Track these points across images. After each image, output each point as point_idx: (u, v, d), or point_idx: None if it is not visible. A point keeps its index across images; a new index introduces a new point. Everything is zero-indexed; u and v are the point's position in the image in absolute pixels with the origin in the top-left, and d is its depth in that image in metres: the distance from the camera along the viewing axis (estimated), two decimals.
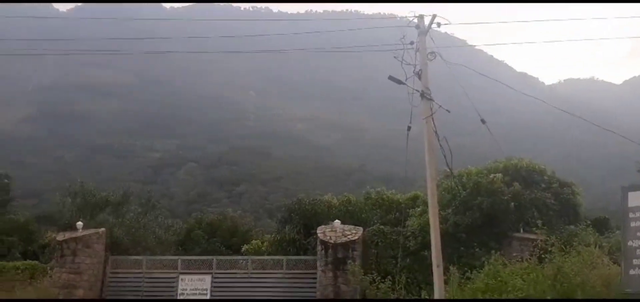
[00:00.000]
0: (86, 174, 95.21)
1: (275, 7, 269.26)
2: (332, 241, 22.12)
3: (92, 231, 23.63)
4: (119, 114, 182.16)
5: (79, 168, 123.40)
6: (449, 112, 14.76)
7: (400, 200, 27.12)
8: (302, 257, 24.25)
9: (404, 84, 14.55)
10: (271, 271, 23.87)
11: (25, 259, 29.35)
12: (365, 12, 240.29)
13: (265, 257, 25.19)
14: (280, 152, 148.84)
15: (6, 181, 43.67)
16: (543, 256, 16.03)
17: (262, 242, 28.10)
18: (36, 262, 27.83)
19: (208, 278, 23.63)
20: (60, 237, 23.57)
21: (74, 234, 23.07)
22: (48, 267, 25.12)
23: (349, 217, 25.72)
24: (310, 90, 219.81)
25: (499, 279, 15.12)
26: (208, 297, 23.31)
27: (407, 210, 24.67)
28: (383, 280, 18.95)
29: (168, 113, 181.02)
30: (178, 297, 23.33)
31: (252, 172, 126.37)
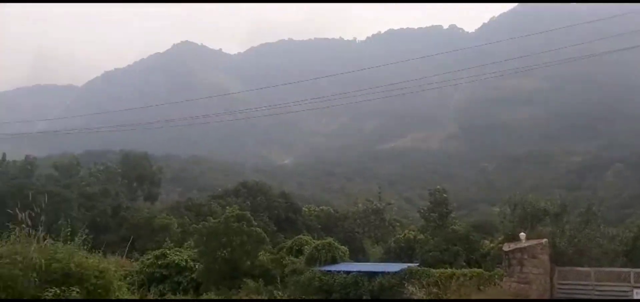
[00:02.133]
0: (509, 184, 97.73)
1: None
2: None
3: (535, 241, 23.60)
4: (534, 121, 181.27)
5: (501, 178, 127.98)
6: None
7: None
8: None
9: None
10: None
11: (469, 267, 31.39)
12: None
13: None
14: None
15: (445, 195, 48.05)
16: None
17: None
18: (480, 270, 29.34)
19: None
20: (505, 247, 24.30)
21: (518, 245, 23.46)
22: (495, 276, 26.14)
23: None
24: None
25: None
26: None
27: None
28: None
29: (587, 113, 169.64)
30: None
31: None
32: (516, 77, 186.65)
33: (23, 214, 13.87)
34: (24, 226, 13.67)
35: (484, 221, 64.44)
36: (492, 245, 36.80)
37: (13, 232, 13.50)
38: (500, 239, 32.80)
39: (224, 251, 30.62)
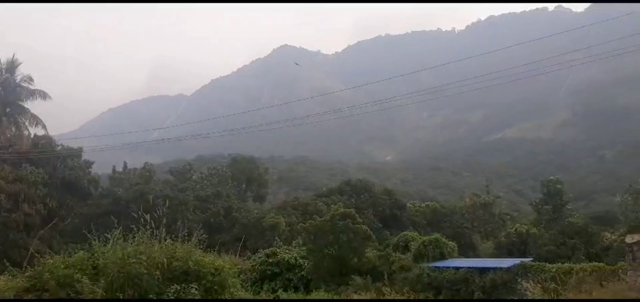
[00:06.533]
0: (631, 172, 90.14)
1: None
2: None
3: None
4: None
5: (622, 166, 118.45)
6: None
7: None
8: None
9: None
10: None
11: (589, 261, 29.47)
12: None
13: None
14: None
15: (559, 186, 45.54)
16: None
17: None
18: (602, 264, 27.49)
19: None
20: (628, 239, 22.44)
21: None
22: (618, 270, 24.42)
23: None
24: None
25: None
26: None
27: None
28: None
29: None
30: None
31: None
32: (637, 55, 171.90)
33: (146, 217, 14.99)
34: (147, 227, 14.77)
35: (605, 212, 60.43)
36: (613, 237, 34.33)
37: (137, 234, 14.61)
38: (622, 230, 30.49)
39: (331, 249, 31.12)
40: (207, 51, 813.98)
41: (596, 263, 27.77)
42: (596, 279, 25.01)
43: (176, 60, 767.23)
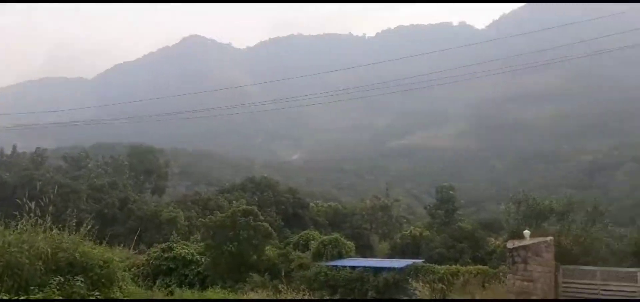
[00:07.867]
0: (518, 182, 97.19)
1: None
2: None
3: (540, 239, 23.48)
4: (545, 119, 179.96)
5: (510, 176, 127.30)
6: None
7: None
8: None
9: None
10: None
11: (475, 264, 31.36)
12: None
13: None
14: None
15: (451, 192, 48.03)
16: None
17: None
18: (486, 267, 29.31)
19: None
20: (509, 244, 24.20)
21: (522, 242, 23.38)
22: (499, 273, 26.17)
23: None
24: None
25: None
26: None
27: None
28: None
29: (599, 111, 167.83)
30: None
31: None
32: (528, 74, 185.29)
33: (31, 204, 14.09)
34: (31, 215, 13.89)
35: (492, 218, 64.22)
36: (497, 242, 36.77)
37: (21, 222, 13.72)
38: (504, 236, 32.74)
39: (231, 245, 30.83)
40: (112, 34, 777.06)
41: (481, 266, 29.57)
42: (480, 281, 26.70)
43: (77, 42, 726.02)
